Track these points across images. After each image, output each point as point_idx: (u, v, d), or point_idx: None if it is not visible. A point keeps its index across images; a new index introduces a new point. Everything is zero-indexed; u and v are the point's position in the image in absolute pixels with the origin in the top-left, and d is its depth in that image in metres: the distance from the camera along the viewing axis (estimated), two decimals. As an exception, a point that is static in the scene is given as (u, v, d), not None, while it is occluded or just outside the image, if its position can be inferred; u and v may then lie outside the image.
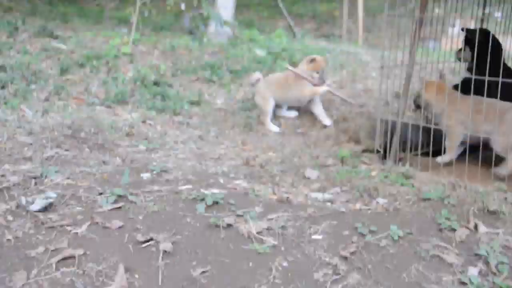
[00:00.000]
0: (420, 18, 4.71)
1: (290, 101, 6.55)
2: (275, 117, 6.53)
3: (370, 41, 13.44)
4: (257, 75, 6.68)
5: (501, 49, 5.60)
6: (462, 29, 5.85)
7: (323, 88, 6.32)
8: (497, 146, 4.73)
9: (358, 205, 3.88)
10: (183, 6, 7.87)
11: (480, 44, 5.15)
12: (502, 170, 4.67)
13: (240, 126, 6.29)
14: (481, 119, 4.63)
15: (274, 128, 6.33)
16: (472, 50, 5.29)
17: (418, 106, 5.22)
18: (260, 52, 8.47)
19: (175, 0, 7.78)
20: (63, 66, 7.11)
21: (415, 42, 4.74)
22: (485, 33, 5.56)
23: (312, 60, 6.38)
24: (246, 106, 6.73)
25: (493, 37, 5.47)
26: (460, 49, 5.81)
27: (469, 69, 5.72)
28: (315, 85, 6.30)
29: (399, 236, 3.31)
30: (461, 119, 4.82)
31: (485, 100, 4.74)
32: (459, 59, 5.83)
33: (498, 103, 4.68)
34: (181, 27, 11.20)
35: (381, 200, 3.95)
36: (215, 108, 6.74)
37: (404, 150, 5.04)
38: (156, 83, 7.08)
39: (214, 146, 5.53)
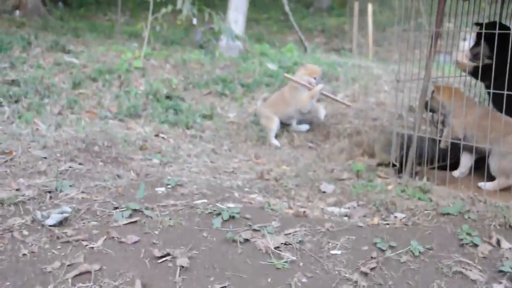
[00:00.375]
0: (436, 32, 4.67)
1: (294, 115, 6.56)
2: (289, 131, 6.48)
3: (380, 55, 13.41)
4: (263, 96, 6.85)
5: None
6: (476, 24, 5.46)
7: (318, 87, 6.36)
8: (493, 165, 4.69)
9: (376, 220, 3.83)
10: (194, 21, 7.87)
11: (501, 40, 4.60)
12: (489, 185, 4.64)
13: (252, 139, 6.26)
14: (483, 134, 4.59)
15: (275, 142, 6.31)
16: (490, 45, 4.72)
17: (431, 110, 5.09)
18: (271, 66, 8.45)
19: (186, 14, 7.75)
20: (75, 80, 7.11)
21: (431, 56, 4.69)
22: (505, 27, 5.24)
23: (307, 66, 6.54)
24: (258, 120, 6.69)
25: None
26: (475, 46, 5.36)
27: (474, 73, 5.41)
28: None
29: (419, 252, 3.26)
30: (463, 124, 4.76)
31: (494, 115, 4.69)
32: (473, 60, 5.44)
33: (505, 121, 4.63)
34: (191, 42, 11.23)
35: (399, 215, 3.89)
36: (228, 122, 6.71)
37: (420, 164, 4.98)
38: (168, 97, 7.07)
39: (228, 160, 5.49)
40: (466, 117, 4.71)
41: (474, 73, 5.38)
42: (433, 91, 4.97)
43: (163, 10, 8.11)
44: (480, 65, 5.04)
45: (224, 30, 7.95)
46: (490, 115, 4.58)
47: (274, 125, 6.38)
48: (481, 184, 4.66)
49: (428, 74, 4.74)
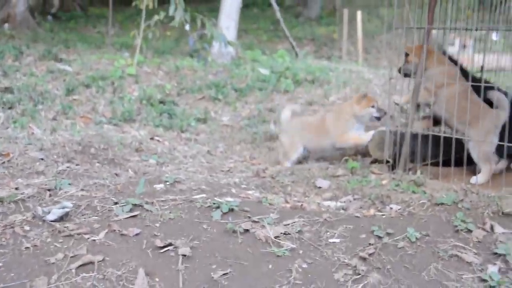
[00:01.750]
0: (428, 29, 4.76)
1: (324, 150, 5.74)
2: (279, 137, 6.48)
3: (370, 62, 13.53)
4: (292, 106, 5.91)
5: None
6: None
7: (368, 135, 5.34)
8: (474, 153, 4.78)
9: (372, 211, 3.89)
10: (187, 27, 7.94)
11: None
12: (479, 178, 4.71)
13: (247, 142, 6.32)
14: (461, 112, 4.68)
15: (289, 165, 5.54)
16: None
17: (406, 75, 5.10)
18: (264, 71, 8.53)
19: (179, 21, 7.83)
20: (69, 87, 7.16)
21: (424, 53, 4.78)
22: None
23: (364, 97, 5.45)
24: (252, 123, 6.76)
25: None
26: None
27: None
28: (377, 118, 5.46)
29: (416, 238, 3.32)
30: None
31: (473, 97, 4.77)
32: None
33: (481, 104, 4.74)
34: (182, 51, 11.30)
35: (394, 206, 3.95)
36: (222, 125, 6.78)
37: (412, 161, 5.05)
38: (162, 102, 7.13)
39: (223, 161, 5.55)
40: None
41: None
42: (406, 54, 5.02)
43: (156, 17, 8.18)
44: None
45: (216, 36, 8.03)
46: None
47: (295, 156, 5.63)
48: (472, 179, 4.72)
49: (420, 71, 4.82)
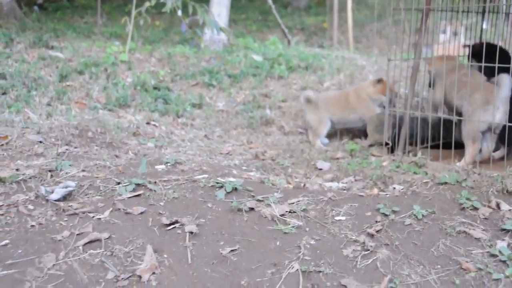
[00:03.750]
0: (426, 9, 4.75)
1: (349, 123, 6.01)
2: (275, 122, 6.50)
3: (360, 50, 13.51)
4: (309, 93, 6.08)
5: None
6: (465, 46, 5.67)
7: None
8: (463, 131, 4.68)
9: (375, 191, 3.88)
10: (179, 12, 7.86)
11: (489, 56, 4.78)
12: (464, 160, 4.65)
13: (243, 126, 6.29)
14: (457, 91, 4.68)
15: (321, 145, 5.73)
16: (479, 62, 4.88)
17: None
18: (257, 58, 8.50)
19: (171, 7, 7.75)
20: (62, 73, 7.08)
21: (422, 33, 4.78)
22: (491, 45, 5.38)
23: (380, 81, 5.77)
24: (247, 108, 6.73)
25: (501, 48, 5.35)
26: None
27: None
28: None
29: (422, 215, 3.32)
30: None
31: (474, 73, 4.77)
32: None
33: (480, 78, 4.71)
34: (171, 41, 11.21)
35: (397, 186, 3.95)
36: (217, 110, 6.73)
37: (411, 144, 5.06)
38: (156, 88, 7.07)
39: (221, 144, 5.52)
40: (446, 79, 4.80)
41: None
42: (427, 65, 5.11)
43: (147, 4, 8.10)
44: None
45: (208, 22, 7.95)
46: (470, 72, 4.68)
47: (324, 130, 5.87)
48: (458, 164, 4.62)
49: (419, 52, 4.82)
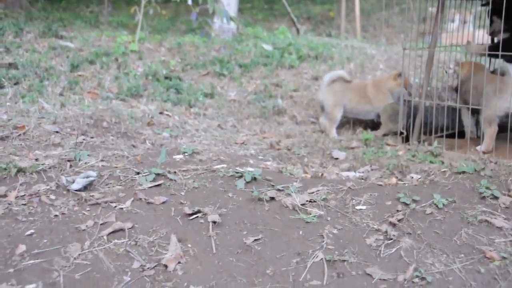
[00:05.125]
0: (442, 0, 4.74)
1: (361, 114, 6.04)
2: (287, 112, 6.50)
3: (368, 39, 13.47)
4: (340, 73, 6.16)
5: None
6: (483, 4, 5.61)
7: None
8: (482, 117, 4.77)
9: (393, 180, 3.89)
10: (189, 1, 7.83)
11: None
12: (483, 145, 4.72)
13: (255, 116, 6.29)
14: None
15: (336, 135, 5.75)
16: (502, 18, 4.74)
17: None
18: (267, 47, 8.47)
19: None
20: (73, 63, 7.08)
21: (438, 23, 4.76)
22: None
23: (399, 75, 5.68)
24: (259, 98, 6.72)
25: None
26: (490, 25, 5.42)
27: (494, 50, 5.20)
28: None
29: (443, 204, 3.32)
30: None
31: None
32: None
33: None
34: (179, 30, 11.18)
35: (415, 176, 3.96)
36: (229, 100, 6.73)
37: (425, 133, 5.05)
38: (167, 77, 7.07)
39: (234, 134, 5.52)
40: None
41: (494, 50, 5.30)
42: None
43: (157, -8, 8.08)
44: (501, 39, 4.82)
45: (218, 11, 7.93)
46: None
47: (339, 116, 5.90)
48: (478, 148, 4.74)
49: (434, 41, 4.81)
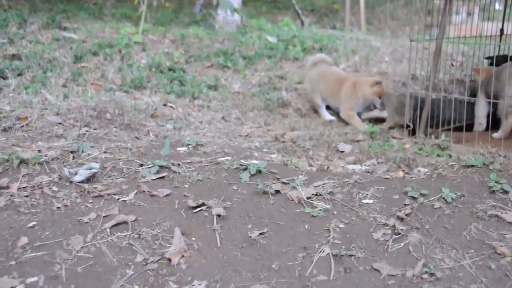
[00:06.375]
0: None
1: (332, 106, 6.15)
2: (291, 104, 6.45)
3: (373, 32, 13.40)
4: (322, 56, 6.34)
5: None
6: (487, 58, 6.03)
7: (363, 127, 5.40)
8: (500, 106, 4.91)
9: (400, 173, 3.83)
10: (194, -7, 7.77)
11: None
12: (497, 134, 4.90)
13: (259, 108, 6.23)
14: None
15: (329, 116, 6.07)
16: None
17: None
18: (271, 39, 8.40)
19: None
20: (76, 54, 7.03)
21: (445, 14, 4.70)
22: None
23: (378, 84, 5.68)
24: (263, 90, 6.67)
25: None
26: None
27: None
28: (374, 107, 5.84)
29: (452, 198, 3.27)
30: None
31: None
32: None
33: None
34: (182, 22, 11.11)
35: (422, 169, 3.90)
36: (233, 92, 6.67)
37: (432, 126, 5.00)
38: (171, 69, 7.01)
39: (238, 127, 5.47)
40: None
41: None
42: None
43: (161, -16, 8.01)
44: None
45: (222, 3, 7.86)
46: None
47: (318, 100, 6.15)
48: (494, 135, 4.89)
49: (442, 33, 4.74)
